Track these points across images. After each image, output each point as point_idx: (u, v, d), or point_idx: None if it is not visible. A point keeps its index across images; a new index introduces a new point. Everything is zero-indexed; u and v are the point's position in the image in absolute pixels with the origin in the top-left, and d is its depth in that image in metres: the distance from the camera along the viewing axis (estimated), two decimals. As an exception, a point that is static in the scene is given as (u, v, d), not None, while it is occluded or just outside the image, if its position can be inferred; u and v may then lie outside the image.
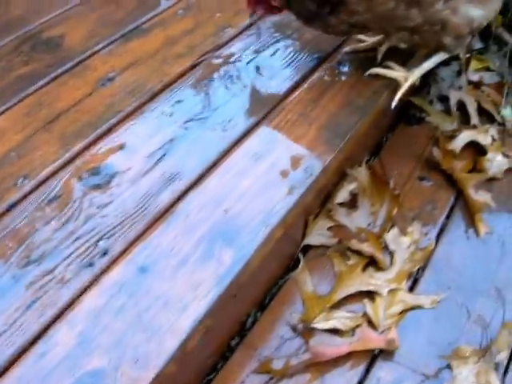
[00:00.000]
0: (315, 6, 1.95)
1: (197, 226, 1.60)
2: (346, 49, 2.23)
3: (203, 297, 1.44)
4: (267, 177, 1.73)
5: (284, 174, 1.76)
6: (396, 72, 2.15)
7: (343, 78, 2.09)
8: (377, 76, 2.13)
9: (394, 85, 2.13)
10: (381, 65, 2.17)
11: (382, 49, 2.21)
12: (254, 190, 1.69)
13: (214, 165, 1.80)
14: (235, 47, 2.24)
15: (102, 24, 2.42)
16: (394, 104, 2.10)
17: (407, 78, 2.14)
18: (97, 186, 1.72)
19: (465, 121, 2.36)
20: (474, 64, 2.60)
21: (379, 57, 2.22)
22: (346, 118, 1.91)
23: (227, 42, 2.28)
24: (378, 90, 2.03)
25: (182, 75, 2.11)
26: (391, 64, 2.17)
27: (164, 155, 1.82)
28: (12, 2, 2.65)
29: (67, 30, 2.40)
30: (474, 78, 2.57)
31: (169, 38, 2.31)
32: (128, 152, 1.81)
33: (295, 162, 1.80)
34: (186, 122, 1.94)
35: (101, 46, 2.29)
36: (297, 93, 2.03)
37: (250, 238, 1.56)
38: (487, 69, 2.62)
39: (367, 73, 2.08)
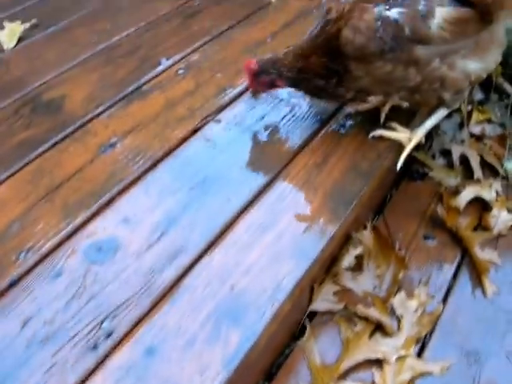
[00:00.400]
0: (323, 82, 1.97)
1: (203, 304, 1.57)
2: (349, 109, 2.21)
3: (211, 381, 1.42)
4: (273, 249, 1.70)
5: (290, 245, 1.74)
6: (399, 133, 2.14)
7: (347, 140, 2.07)
8: (381, 137, 2.12)
9: (398, 145, 2.12)
10: (384, 125, 2.17)
11: (385, 109, 2.20)
12: (260, 263, 1.66)
13: (219, 237, 1.77)
14: (237, 110, 2.22)
15: (102, 85, 2.41)
16: (399, 166, 2.11)
17: (411, 138, 2.14)
18: (100, 262, 1.69)
19: (468, 175, 2.33)
20: (475, 116, 2.59)
21: (382, 117, 2.21)
22: (351, 184, 1.89)
23: (228, 104, 2.26)
24: (383, 152, 2.01)
25: (183, 140, 2.09)
26: (394, 125, 2.16)
27: (167, 227, 1.80)
28: (11, 63, 2.63)
29: (67, 92, 2.39)
30: (476, 130, 2.56)
31: (169, 100, 2.29)
32: (131, 224, 1.78)
33: (301, 232, 1.78)
34: (189, 190, 1.92)
35: (101, 108, 2.27)
36: (300, 157, 2.01)
37: (257, 317, 1.53)
38: (489, 120, 2.61)
39: (371, 135, 2.07)
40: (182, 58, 2.58)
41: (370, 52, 1.85)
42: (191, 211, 1.82)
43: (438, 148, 2.45)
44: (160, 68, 2.51)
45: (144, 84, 2.41)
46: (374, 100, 2.22)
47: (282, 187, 1.89)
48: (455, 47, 1.91)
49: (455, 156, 2.40)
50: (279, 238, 1.74)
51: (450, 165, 2.40)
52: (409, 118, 2.23)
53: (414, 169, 2.37)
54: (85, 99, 2.32)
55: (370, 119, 2.17)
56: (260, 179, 1.92)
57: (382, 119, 2.21)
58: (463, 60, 1.95)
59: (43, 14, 3.05)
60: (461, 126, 2.53)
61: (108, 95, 2.34)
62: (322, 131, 2.12)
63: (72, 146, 2.10)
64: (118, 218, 1.81)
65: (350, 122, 2.17)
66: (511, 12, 1.93)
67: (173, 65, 2.54)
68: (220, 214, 1.81)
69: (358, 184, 1.90)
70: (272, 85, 2.07)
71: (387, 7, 1.83)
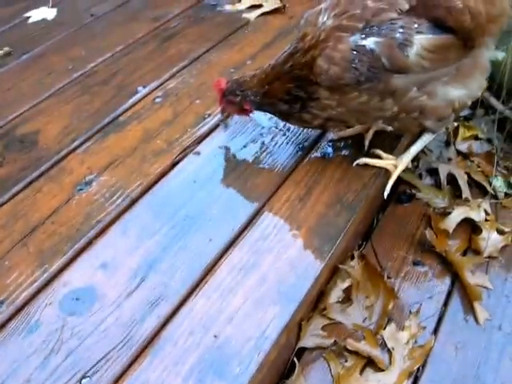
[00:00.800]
0: (286, 106, 1.93)
1: (185, 356, 1.52)
2: (332, 136, 2.16)
3: None
4: (257, 293, 1.66)
5: (274, 288, 1.68)
6: (385, 161, 2.09)
7: (330, 169, 2.02)
8: (365, 165, 2.07)
9: (384, 172, 2.08)
10: (368, 152, 2.13)
11: (369, 135, 2.16)
12: (243, 309, 1.61)
13: (200, 281, 1.72)
14: (216, 140, 2.17)
15: (77, 117, 2.34)
16: (386, 194, 2.06)
17: (396, 165, 2.09)
18: (78, 313, 1.64)
19: (456, 194, 2.29)
20: (461, 133, 2.55)
21: (366, 143, 2.17)
22: (336, 217, 1.84)
23: (208, 134, 2.20)
24: (368, 181, 1.97)
25: (162, 175, 2.03)
26: (379, 152, 2.11)
27: (147, 272, 1.74)
28: (-18, 95, 2.54)
29: (42, 125, 2.32)
30: (463, 147, 2.53)
31: (147, 131, 2.23)
32: (109, 270, 1.73)
33: (285, 273, 1.72)
34: (169, 230, 1.86)
35: (77, 143, 2.21)
36: (283, 190, 1.95)
37: (242, 369, 1.49)
38: (476, 137, 2.56)
39: (355, 163, 2.00)
40: (159, 85, 2.51)
41: (345, 83, 1.79)
42: (171, 253, 1.76)
43: (424, 167, 2.42)
44: (137, 96, 2.44)
45: (121, 114, 2.34)
46: (357, 126, 2.14)
47: (265, 224, 1.83)
48: (435, 75, 1.86)
49: (442, 176, 2.36)
50: (263, 281, 1.69)
51: (437, 184, 2.36)
52: (393, 143, 2.18)
53: (401, 190, 2.32)
54: (60, 133, 2.26)
55: (354, 145, 2.12)
56: (242, 216, 1.86)
57: (366, 145, 2.16)
58: (444, 87, 1.89)
59: (16, 41, 2.98)
60: (447, 143, 2.49)
61: (84, 127, 2.27)
62: (305, 160, 2.06)
63: (47, 186, 2.03)
64: (96, 263, 1.74)
65: (333, 149, 2.10)
66: (494, 36, 1.84)
67: (150, 93, 2.47)
68: (201, 256, 1.75)
69: (343, 217, 1.84)
70: (240, 107, 2.02)
71: (363, 36, 1.77)
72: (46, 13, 3.20)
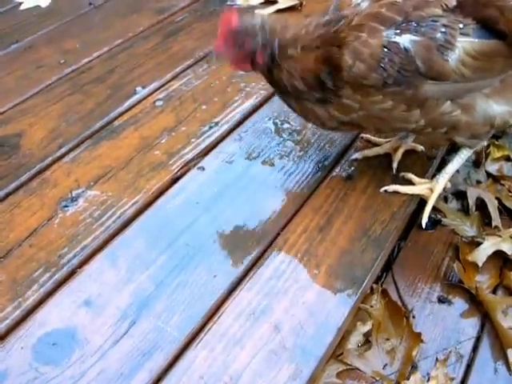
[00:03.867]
0: (305, 89, 1.61)
1: (181, 424, 1.20)
2: (355, 155, 1.91)
3: None
4: (269, 346, 1.41)
5: (290, 340, 1.42)
6: (418, 186, 1.85)
7: (354, 194, 1.75)
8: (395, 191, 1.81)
9: (416, 198, 1.84)
10: (397, 175, 1.89)
11: (398, 155, 1.92)
12: (252, 367, 1.36)
13: (202, 328, 1.45)
14: (223, 153, 1.90)
15: (66, 119, 2.07)
16: (424, 222, 1.84)
17: (432, 189, 1.85)
18: (54, 363, 1.36)
19: (485, 221, 2.05)
20: (492, 153, 2.30)
21: (395, 165, 1.92)
22: (361, 255, 1.59)
23: (214, 146, 1.91)
24: (397, 210, 1.72)
25: (160, 193, 1.76)
26: (411, 176, 1.87)
27: (138, 314, 1.48)
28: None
29: (26, 127, 2.05)
30: (493, 169, 2.28)
31: (144, 139, 1.95)
32: (93, 309, 1.47)
33: (302, 322, 1.47)
34: (166, 261, 1.60)
35: (64, 150, 1.93)
36: (300, 218, 1.69)
37: None
38: (507, 158, 2.31)
39: (383, 189, 1.72)
40: (160, 86, 2.24)
41: (370, 84, 1.52)
42: (168, 291, 1.50)
43: (451, 190, 2.15)
44: (135, 98, 2.17)
45: (115, 118, 2.07)
46: (383, 145, 1.88)
47: (279, 260, 1.56)
48: (475, 86, 1.59)
49: (471, 200, 2.11)
50: (276, 331, 1.44)
51: (464, 209, 2.10)
52: (425, 165, 1.94)
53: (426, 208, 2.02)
54: (45, 137, 1.99)
55: (381, 167, 1.86)
56: (252, 248, 1.62)
57: (394, 168, 1.91)
58: (485, 101, 1.63)
59: (5, 29, 2.72)
60: (476, 164, 2.24)
61: (73, 132, 2.00)
62: (325, 182, 1.80)
63: (27, 200, 1.76)
64: (78, 299, 1.49)
65: (357, 171, 1.82)
66: None
67: (150, 94, 2.20)
68: (203, 296, 1.50)
69: (369, 254, 1.59)
70: (249, 56, 1.62)
71: (398, 32, 1.50)
72: (40, -1, 2.87)
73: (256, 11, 1.64)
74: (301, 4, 2.83)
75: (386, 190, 1.78)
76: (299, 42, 1.57)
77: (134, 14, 2.79)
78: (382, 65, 1.50)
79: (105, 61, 2.43)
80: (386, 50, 1.50)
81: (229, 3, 2.88)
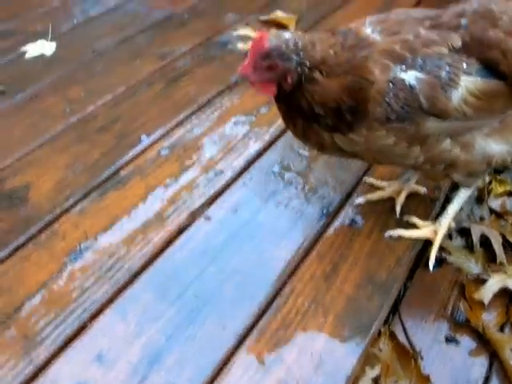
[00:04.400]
0: (321, 114, 1.56)
1: None
2: (359, 200, 1.93)
3: None
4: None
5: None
6: (422, 230, 1.86)
7: (359, 240, 1.76)
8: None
9: (421, 241, 1.85)
10: (401, 219, 1.90)
11: (401, 198, 1.94)
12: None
13: (212, 381, 1.48)
14: (229, 202, 1.92)
15: (73, 170, 2.09)
16: (431, 266, 1.85)
17: (436, 230, 1.87)
18: (66, 420, 1.30)
19: (490, 257, 2.04)
20: (494, 188, 2.29)
21: (398, 209, 1.94)
22: (368, 302, 1.61)
23: (219, 194, 1.93)
24: (402, 255, 1.73)
25: (167, 244, 1.78)
26: (415, 220, 1.88)
27: (149, 369, 1.50)
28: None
29: (33, 179, 2.06)
30: (496, 205, 2.28)
31: (150, 188, 1.98)
32: (105, 364, 1.50)
33: (311, 372, 1.49)
34: (175, 314, 1.64)
35: (72, 201, 1.95)
36: (306, 266, 1.70)
37: None
38: (509, 193, 2.31)
39: (387, 234, 1.73)
40: (164, 134, 2.26)
41: (373, 117, 1.52)
42: (178, 344, 1.51)
43: (455, 227, 2.14)
44: (140, 147, 2.18)
45: (121, 168, 2.08)
46: (387, 188, 1.90)
47: (287, 309, 1.59)
48: (475, 125, 1.61)
49: (475, 237, 2.11)
50: (285, 383, 1.38)
51: (468, 245, 2.10)
52: (428, 208, 1.97)
53: (431, 253, 2.02)
54: (53, 188, 1.99)
55: (384, 211, 1.87)
56: (260, 298, 1.63)
57: (397, 211, 1.92)
58: (484, 140, 1.64)
59: (11, 78, 2.74)
60: (479, 200, 2.25)
61: (80, 183, 2.02)
62: (330, 228, 1.82)
63: (36, 253, 1.78)
64: (89, 354, 1.50)
65: (361, 216, 1.83)
66: None
67: (154, 143, 2.22)
68: (213, 349, 1.51)
69: (375, 301, 1.61)
70: (280, 78, 1.54)
71: (403, 68, 1.50)
72: (45, 47, 2.97)
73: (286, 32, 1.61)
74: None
75: (390, 236, 1.77)
76: (326, 64, 1.51)
77: (136, 60, 2.81)
78: (387, 99, 1.51)
79: (109, 109, 2.45)
80: (391, 85, 1.50)
81: (230, 47, 2.90)
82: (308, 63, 1.49)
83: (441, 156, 1.63)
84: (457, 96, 1.53)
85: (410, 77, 1.51)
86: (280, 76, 1.51)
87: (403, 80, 1.51)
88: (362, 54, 1.51)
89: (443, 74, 1.52)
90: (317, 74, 1.50)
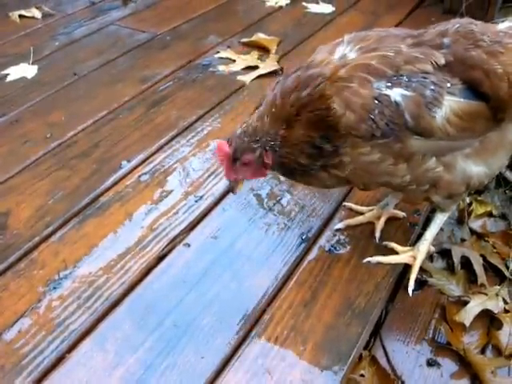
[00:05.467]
0: (307, 161, 1.61)
1: None
2: (339, 225, 1.94)
3: None
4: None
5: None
6: (400, 256, 1.87)
7: (338, 266, 1.77)
8: (377, 256, 1.86)
9: (400, 267, 1.86)
10: (380, 244, 1.92)
11: (380, 223, 1.95)
12: None
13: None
14: (209, 228, 1.92)
15: (53, 196, 2.09)
16: (410, 290, 1.86)
17: (415, 256, 1.87)
18: None
19: (471, 278, 2.07)
20: (474, 209, 2.33)
21: (377, 234, 1.95)
22: (346, 329, 1.60)
23: (199, 221, 1.93)
24: (381, 281, 1.74)
25: (146, 272, 1.77)
26: (393, 245, 1.89)
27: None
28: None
29: (13, 206, 2.06)
30: (477, 226, 2.31)
31: (130, 215, 1.98)
32: None
33: (290, 403, 1.40)
34: (154, 343, 1.63)
35: (51, 228, 1.94)
36: (285, 294, 1.70)
37: None
38: (489, 214, 2.34)
39: (366, 260, 1.75)
40: (145, 159, 2.26)
41: (358, 134, 1.52)
42: (157, 374, 1.51)
43: (435, 249, 2.18)
44: (120, 173, 2.19)
45: (101, 194, 2.08)
46: (366, 213, 1.90)
47: (265, 338, 1.59)
48: (457, 145, 1.62)
49: (456, 259, 2.13)
50: None
51: (449, 267, 2.12)
52: (407, 232, 1.98)
53: (411, 276, 2.03)
54: (32, 216, 1.99)
55: (363, 236, 1.87)
56: (239, 326, 1.64)
57: (377, 237, 1.94)
58: (464, 161, 1.65)
59: (-10, 102, 2.65)
60: (459, 221, 2.27)
61: (59, 210, 2.01)
62: (309, 254, 1.83)
63: (15, 282, 1.78)
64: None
65: (340, 241, 1.85)
66: None
67: (134, 168, 2.21)
68: (191, 379, 1.52)
69: (354, 328, 1.61)
70: (259, 163, 1.62)
71: (389, 85, 1.50)
72: (26, 70, 2.97)
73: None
74: (282, 69, 2.88)
75: (369, 261, 1.78)
76: (280, 120, 1.57)
77: (118, 84, 2.82)
78: (372, 116, 1.50)
79: (90, 134, 2.45)
80: (376, 101, 1.50)
81: (211, 70, 2.91)
82: (269, 138, 1.57)
83: (426, 175, 1.63)
84: (440, 115, 1.53)
85: (396, 94, 1.50)
86: (259, 161, 1.60)
87: (388, 96, 1.50)
88: (311, 90, 1.54)
89: (428, 92, 1.52)
90: (281, 131, 1.57)
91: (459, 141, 1.61)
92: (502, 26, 1.63)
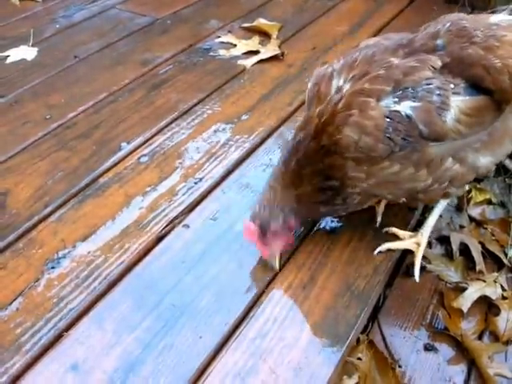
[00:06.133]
0: (325, 199, 1.72)
1: None
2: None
3: None
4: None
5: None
6: (406, 241, 1.89)
7: (337, 249, 1.77)
8: (377, 244, 1.82)
9: (399, 252, 1.86)
10: (381, 228, 1.92)
11: (381, 208, 1.97)
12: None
13: (188, 392, 1.38)
14: (208, 210, 1.94)
15: (52, 176, 2.07)
16: (416, 277, 1.88)
17: (419, 242, 1.88)
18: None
19: (469, 265, 2.07)
20: (474, 197, 2.32)
21: (379, 219, 1.96)
22: (345, 311, 1.60)
23: (199, 202, 1.94)
24: (380, 264, 1.73)
25: (145, 252, 1.76)
26: (395, 230, 1.90)
27: (125, 378, 1.49)
28: None
29: (12, 186, 2.05)
30: (476, 213, 2.31)
31: (129, 196, 1.96)
32: (80, 374, 1.50)
33: (289, 379, 1.49)
34: (152, 323, 1.63)
35: (50, 208, 1.93)
36: (284, 275, 1.71)
37: None
38: (489, 202, 2.34)
39: (376, 251, 1.84)
40: (144, 142, 2.25)
41: (378, 155, 1.54)
42: (154, 354, 1.50)
43: (434, 235, 2.16)
44: (120, 154, 2.17)
45: (101, 176, 2.07)
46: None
47: (264, 318, 1.57)
48: (469, 141, 1.63)
49: (455, 246, 2.13)
50: None
51: (448, 254, 2.12)
52: (407, 216, 1.99)
53: (410, 261, 2.05)
54: (32, 196, 1.98)
55: (363, 220, 1.87)
56: (237, 307, 1.62)
57: (378, 221, 1.94)
58: (474, 154, 1.67)
59: (-10, 83, 2.64)
60: (458, 208, 2.26)
61: (59, 190, 2.01)
62: (309, 236, 1.84)
63: (13, 261, 1.77)
64: (65, 364, 1.50)
65: (340, 224, 1.84)
66: None
67: (134, 150, 2.20)
68: (190, 359, 1.51)
69: (353, 310, 1.61)
70: (287, 230, 1.73)
71: (396, 100, 1.52)
72: (26, 53, 2.94)
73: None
74: (282, 54, 2.87)
75: (379, 251, 1.81)
76: (287, 181, 1.70)
77: (118, 67, 2.80)
78: (388, 135, 1.52)
79: (90, 115, 2.44)
80: (388, 119, 1.52)
81: (212, 54, 2.90)
82: (285, 203, 1.69)
83: (445, 174, 1.66)
84: (450, 117, 1.55)
85: (405, 107, 1.52)
86: (285, 229, 1.70)
87: (398, 112, 1.52)
88: (310, 144, 1.64)
89: (435, 98, 1.54)
90: (292, 191, 1.70)
91: (471, 136, 1.63)
92: (494, 18, 1.63)
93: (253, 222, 1.66)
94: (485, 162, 1.71)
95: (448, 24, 1.60)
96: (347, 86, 1.58)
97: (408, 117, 1.51)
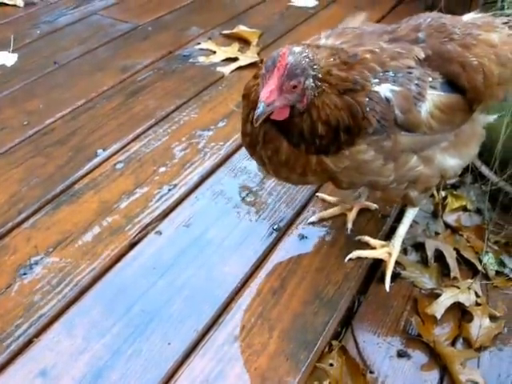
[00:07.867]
0: (324, 132, 1.51)
1: None
2: (312, 219, 1.97)
3: None
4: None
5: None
6: (378, 251, 1.90)
7: (308, 256, 1.77)
8: (347, 251, 1.84)
9: (371, 259, 1.88)
10: (352, 235, 1.93)
11: (352, 215, 1.97)
12: None
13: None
14: (181, 216, 1.94)
15: (27, 183, 2.08)
16: (387, 286, 1.88)
17: (390, 252, 1.89)
18: None
19: (444, 272, 2.07)
20: (450, 203, 2.32)
21: (349, 226, 1.97)
22: (314, 318, 1.62)
23: (172, 209, 1.95)
24: (350, 271, 1.74)
25: (118, 259, 1.77)
26: (367, 239, 1.91)
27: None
28: None
29: (-13, 192, 2.01)
30: (451, 220, 2.31)
31: (104, 203, 1.97)
32: (48, 381, 1.51)
33: (254, 390, 1.41)
34: (122, 329, 1.64)
35: (24, 215, 1.94)
36: (254, 282, 1.70)
37: None
38: (464, 208, 2.34)
39: (347, 258, 1.85)
40: (121, 148, 2.26)
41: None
42: (123, 360, 1.51)
43: (409, 242, 2.18)
44: (96, 161, 2.19)
45: (76, 182, 2.09)
46: (339, 205, 1.92)
47: (233, 325, 1.58)
48: (437, 139, 1.63)
49: (430, 252, 2.13)
50: None
51: (423, 260, 2.12)
52: (379, 224, 2.00)
53: (384, 268, 2.05)
54: (6, 202, 1.99)
55: (335, 227, 1.88)
56: (206, 313, 1.64)
57: (349, 228, 1.96)
58: (441, 154, 1.67)
59: (-33, 89, 2.65)
60: (434, 215, 2.27)
61: (34, 196, 2.02)
62: (280, 244, 1.83)
63: (-15, 267, 1.72)
64: (33, 370, 1.51)
65: (311, 231, 1.85)
66: (498, 101, 1.70)
67: (110, 157, 2.22)
68: (158, 364, 1.52)
69: (321, 317, 1.63)
70: (296, 99, 1.43)
71: (376, 81, 1.49)
72: (6, 58, 2.94)
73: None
74: (261, 61, 2.87)
75: (350, 259, 1.82)
76: (332, 78, 1.46)
77: (98, 73, 2.81)
78: (365, 114, 1.48)
79: (67, 122, 2.44)
80: (367, 99, 1.48)
81: (191, 61, 2.91)
82: (320, 76, 1.43)
83: (408, 174, 1.65)
84: (425, 110, 1.54)
85: (385, 89, 1.49)
86: (298, 96, 1.42)
87: (377, 92, 1.49)
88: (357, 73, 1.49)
89: (413, 87, 1.52)
90: (326, 88, 1.44)
91: (439, 134, 1.62)
92: (467, 17, 1.65)
93: (292, 57, 1.38)
94: (451, 164, 1.70)
95: (429, 19, 1.62)
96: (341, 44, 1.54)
97: (387, 99, 1.49)
